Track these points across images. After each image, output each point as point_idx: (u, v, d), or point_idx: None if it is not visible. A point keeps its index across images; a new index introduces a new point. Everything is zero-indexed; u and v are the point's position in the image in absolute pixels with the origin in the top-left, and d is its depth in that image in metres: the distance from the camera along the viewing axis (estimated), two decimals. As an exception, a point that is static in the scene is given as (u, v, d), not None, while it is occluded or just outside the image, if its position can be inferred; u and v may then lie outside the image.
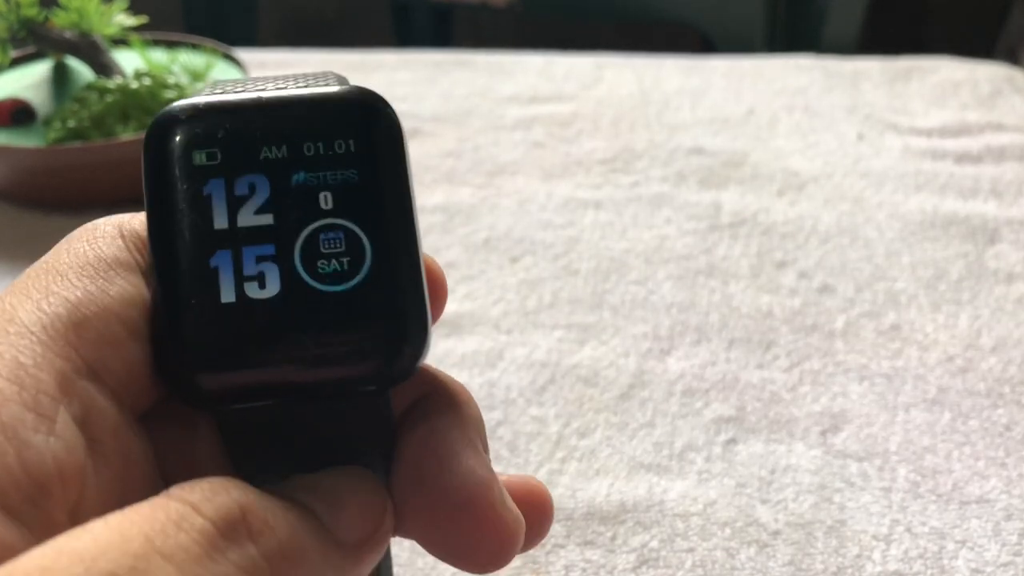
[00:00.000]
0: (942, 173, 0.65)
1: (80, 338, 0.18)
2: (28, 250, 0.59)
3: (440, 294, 0.22)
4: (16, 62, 0.72)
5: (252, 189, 0.19)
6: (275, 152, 0.19)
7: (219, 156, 0.19)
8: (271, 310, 0.19)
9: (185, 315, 0.18)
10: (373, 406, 0.20)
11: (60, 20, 0.68)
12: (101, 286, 0.18)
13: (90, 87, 0.65)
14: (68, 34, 0.68)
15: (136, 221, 0.20)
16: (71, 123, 0.62)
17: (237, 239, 0.19)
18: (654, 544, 0.39)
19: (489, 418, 0.45)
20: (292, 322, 0.19)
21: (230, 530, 0.16)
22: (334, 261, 0.19)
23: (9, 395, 0.16)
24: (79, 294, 0.18)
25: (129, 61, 0.71)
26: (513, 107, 0.76)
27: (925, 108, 0.74)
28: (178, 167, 0.19)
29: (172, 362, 0.19)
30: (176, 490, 0.17)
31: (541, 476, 0.42)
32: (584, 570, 0.38)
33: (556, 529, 0.40)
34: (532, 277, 0.55)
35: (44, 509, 0.16)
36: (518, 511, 0.20)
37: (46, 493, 0.16)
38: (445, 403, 0.21)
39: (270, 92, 0.20)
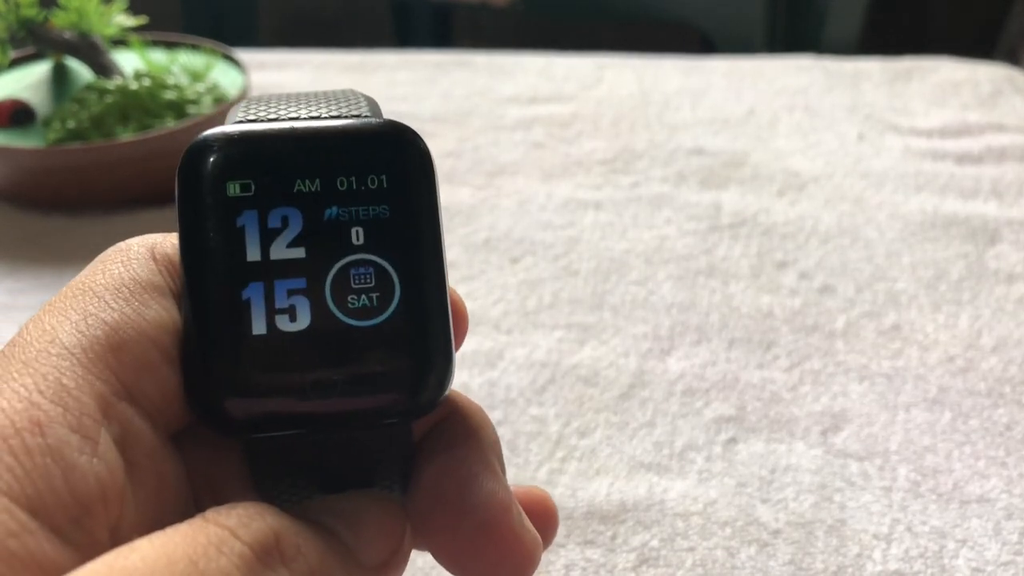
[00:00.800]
0: (942, 173, 0.65)
1: (119, 361, 0.18)
2: (28, 250, 0.59)
3: (461, 326, 0.22)
4: (16, 62, 0.72)
5: (285, 222, 0.19)
6: (308, 186, 0.19)
7: (253, 188, 0.19)
8: (301, 343, 0.19)
9: (216, 345, 0.19)
10: (395, 433, 0.21)
11: (59, 20, 0.68)
12: (137, 309, 0.19)
13: (89, 88, 0.65)
14: (67, 34, 0.68)
15: (168, 244, 0.20)
16: (70, 124, 0.62)
17: (269, 272, 0.19)
18: (654, 543, 0.39)
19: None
20: (321, 356, 0.19)
21: (266, 555, 0.17)
22: (364, 296, 0.19)
23: (55, 416, 0.17)
24: (116, 316, 0.19)
25: (129, 62, 0.71)
26: (513, 107, 0.76)
27: (925, 108, 0.74)
28: (212, 197, 0.19)
29: (202, 391, 0.19)
30: (212, 514, 0.17)
31: (541, 476, 0.42)
32: (584, 569, 0.38)
33: (556, 529, 0.40)
34: (532, 277, 0.55)
35: (87, 528, 0.17)
36: (535, 531, 0.21)
37: (89, 513, 0.17)
38: (464, 427, 0.21)
39: (303, 122, 0.20)
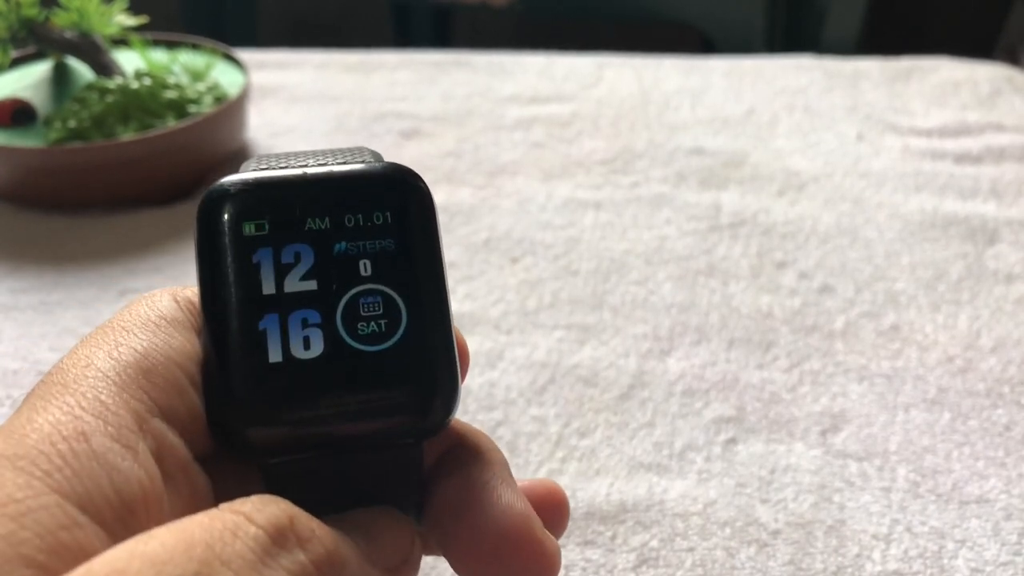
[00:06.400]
0: (942, 173, 0.65)
1: (150, 383, 0.20)
2: (29, 250, 0.59)
3: (463, 360, 0.23)
4: (16, 62, 0.72)
5: (297, 258, 0.21)
6: (319, 224, 0.21)
7: (267, 227, 0.21)
8: (315, 369, 0.20)
9: (236, 374, 0.20)
10: (406, 454, 0.22)
11: (60, 20, 0.68)
12: (163, 339, 0.20)
13: (90, 87, 0.65)
14: (68, 34, 0.68)
15: (188, 291, 0.22)
16: (71, 123, 0.62)
17: (284, 304, 0.20)
18: (654, 544, 0.39)
19: (489, 418, 0.45)
20: (335, 380, 0.20)
21: (281, 537, 0.18)
22: (373, 323, 0.20)
23: (96, 427, 0.18)
24: (145, 344, 0.20)
25: (129, 61, 0.71)
26: (513, 107, 0.76)
27: (925, 108, 0.74)
28: (229, 237, 0.21)
29: (224, 418, 0.20)
30: (227, 504, 0.18)
31: (541, 476, 0.42)
32: (584, 569, 0.38)
33: (556, 529, 0.40)
34: (532, 277, 0.55)
35: (132, 528, 0.18)
36: (554, 539, 0.22)
37: (133, 513, 0.18)
38: (474, 450, 0.22)
39: (313, 168, 0.22)
